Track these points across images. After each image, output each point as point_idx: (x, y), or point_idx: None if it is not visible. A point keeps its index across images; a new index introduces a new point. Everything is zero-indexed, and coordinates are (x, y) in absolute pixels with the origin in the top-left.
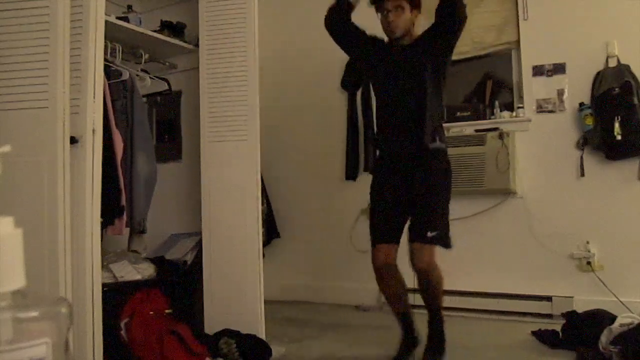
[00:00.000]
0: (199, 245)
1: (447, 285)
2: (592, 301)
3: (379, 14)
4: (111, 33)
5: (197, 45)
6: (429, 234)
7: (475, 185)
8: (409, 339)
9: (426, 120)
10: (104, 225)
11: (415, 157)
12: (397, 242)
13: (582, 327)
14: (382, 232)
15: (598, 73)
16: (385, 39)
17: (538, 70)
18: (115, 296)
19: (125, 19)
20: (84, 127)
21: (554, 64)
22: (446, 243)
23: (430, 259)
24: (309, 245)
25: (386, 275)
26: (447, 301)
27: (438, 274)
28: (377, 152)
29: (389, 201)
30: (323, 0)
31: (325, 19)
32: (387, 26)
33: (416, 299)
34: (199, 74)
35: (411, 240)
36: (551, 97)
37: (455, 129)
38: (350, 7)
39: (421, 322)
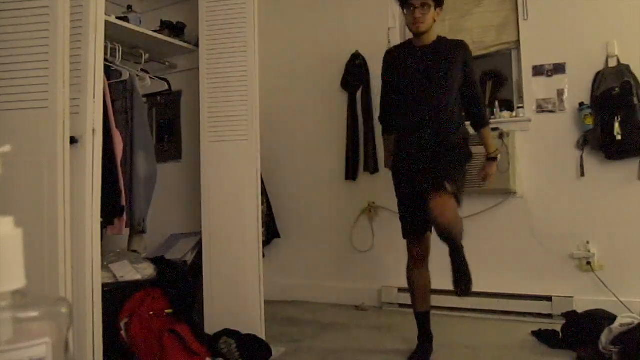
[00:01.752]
0: (199, 245)
1: (447, 286)
2: (592, 301)
3: (405, 11)
4: (111, 33)
5: (197, 45)
6: (447, 185)
7: (476, 185)
8: (425, 343)
9: (448, 110)
10: (104, 225)
11: (436, 149)
12: (428, 230)
13: (582, 327)
14: (412, 225)
15: (598, 73)
16: (406, 38)
17: (538, 70)
18: (115, 296)
19: (125, 19)
20: (84, 127)
21: (554, 64)
22: (459, 200)
23: (454, 212)
24: (309, 245)
25: (420, 266)
26: (446, 301)
27: (461, 227)
28: (397, 150)
29: (410, 194)
30: (323, 0)
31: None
32: (413, 22)
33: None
34: (199, 74)
35: (431, 193)
36: (551, 97)
37: None
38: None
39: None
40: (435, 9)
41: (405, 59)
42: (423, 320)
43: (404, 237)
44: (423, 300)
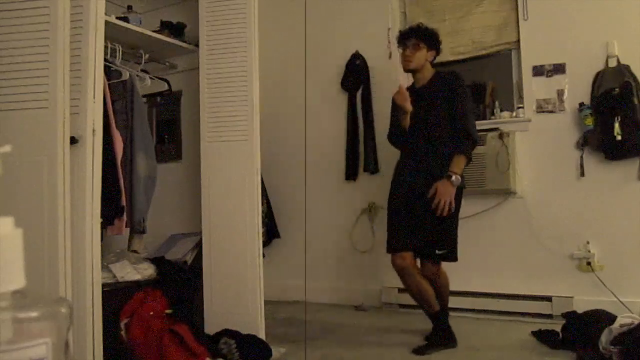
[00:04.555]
0: (199, 246)
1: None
2: (592, 301)
3: (400, 49)
4: (111, 33)
5: (197, 45)
6: (437, 252)
7: (476, 185)
8: (440, 337)
9: (437, 158)
10: (104, 225)
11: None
12: (410, 250)
13: (582, 327)
14: (397, 239)
15: (598, 73)
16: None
17: (538, 70)
18: (115, 296)
19: (125, 19)
20: (84, 127)
21: (554, 64)
22: (453, 258)
23: (437, 270)
24: (309, 245)
25: (407, 277)
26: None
27: (444, 278)
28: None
29: (401, 211)
30: (323, 0)
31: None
32: (403, 59)
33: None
34: (199, 74)
35: (422, 257)
36: (551, 97)
37: None
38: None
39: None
40: (428, 51)
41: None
42: (431, 319)
43: (388, 251)
44: (427, 302)
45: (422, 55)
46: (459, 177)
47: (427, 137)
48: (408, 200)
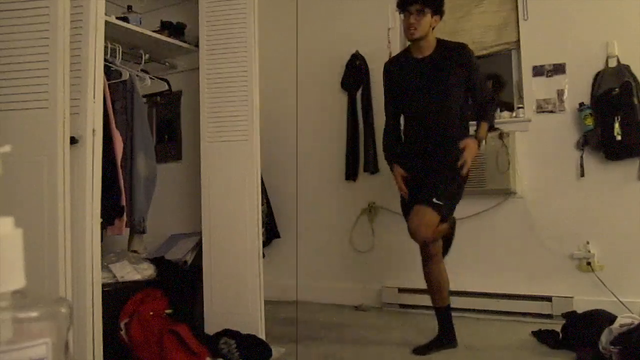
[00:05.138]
0: (199, 246)
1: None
2: (592, 301)
3: (402, 16)
4: (111, 33)
5: (197, 45)
6: (435, 200)
7: (475, 185)
8: (442, 337)
9: (448, 128)
10: (104, 226)
11: (438, 155)
12: None
13: (582, 327)
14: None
15: (598, 73)
16: (405, 44)
17: (538, 70)
18: (115, 296)
19: (125, 19)
20: (84, 127)
21: (554, 64)
22: (444, 213)
23: (433, 229)
24: (309, 245)
25: (427, 261)
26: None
27: (440, 261)
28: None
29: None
30: (323, 0)
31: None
32: (407, 27)
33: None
34: (199, 74)
35: (417, 202)
36: (551, 97)
37: None
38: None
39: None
40: (432, 17)
41: (405, 74)
42: (436, 315)
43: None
44: (434, 296)
45: (427, 22)
46: (484, 142)
47: (434, 112)
48: (418, 177)
